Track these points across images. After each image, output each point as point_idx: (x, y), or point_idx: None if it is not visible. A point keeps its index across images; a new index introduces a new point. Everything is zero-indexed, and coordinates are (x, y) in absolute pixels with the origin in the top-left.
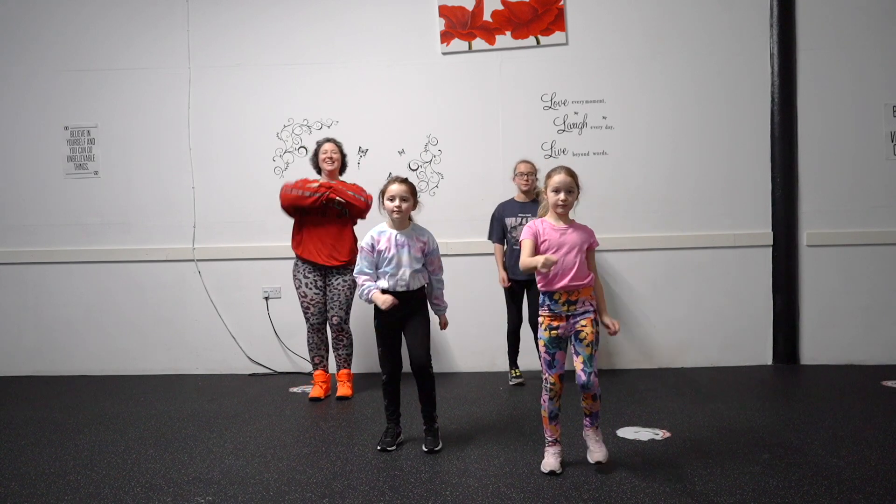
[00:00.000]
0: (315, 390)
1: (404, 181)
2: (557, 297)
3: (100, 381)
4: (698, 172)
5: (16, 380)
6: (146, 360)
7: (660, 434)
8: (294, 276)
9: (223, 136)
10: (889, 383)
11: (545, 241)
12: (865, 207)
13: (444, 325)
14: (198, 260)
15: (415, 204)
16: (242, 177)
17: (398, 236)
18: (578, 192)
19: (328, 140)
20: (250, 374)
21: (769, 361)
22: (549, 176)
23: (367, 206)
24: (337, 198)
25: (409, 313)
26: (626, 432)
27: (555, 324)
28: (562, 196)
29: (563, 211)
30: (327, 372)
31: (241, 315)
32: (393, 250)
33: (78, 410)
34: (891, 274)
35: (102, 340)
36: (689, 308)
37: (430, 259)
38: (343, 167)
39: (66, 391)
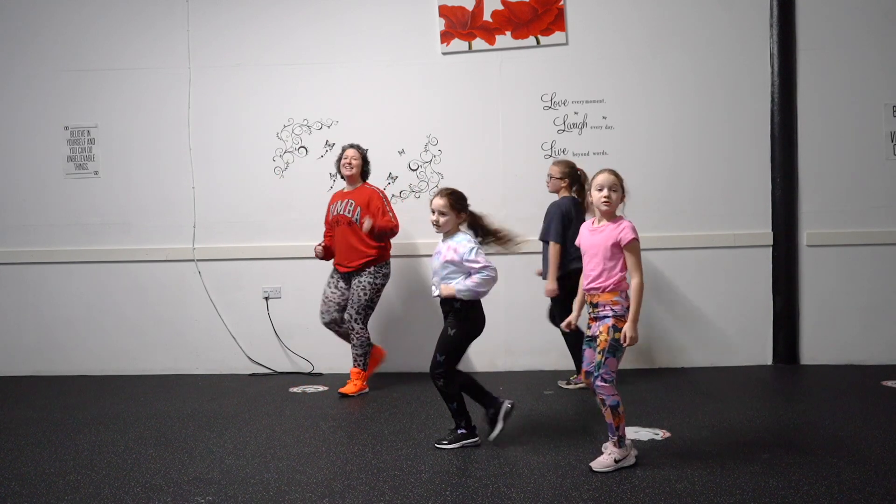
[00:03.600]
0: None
1: (447, 194)
2: (587, 300)
3: (100, 381)
4: (698, 172)
5: (16, 380)
6: (146, 360)
7: (660, 434)
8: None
9: (223, 136)
10: (889, 383)
11: (582, 246)
12: (865, 207)
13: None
14: (198, 260)
15: (459, 215)
16: (242, 177)
17: (440, 244)
18: (624, 194)
19: (351, 146)
20: (250, 374)
21: (769, 361)
22: (593, 177)
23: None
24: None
25: (446, 321)
26: (626, 432)
27: (590, 323)
28: (605, 193)
29: (608, 209)
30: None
31: (241, 315)
32: (434, 257)
33: (78, 410)
34: (891, 274)
35: (102, 340)
36: (689, 308)
37: (465, 265)
38: (365, 173)
39: (66, 391)
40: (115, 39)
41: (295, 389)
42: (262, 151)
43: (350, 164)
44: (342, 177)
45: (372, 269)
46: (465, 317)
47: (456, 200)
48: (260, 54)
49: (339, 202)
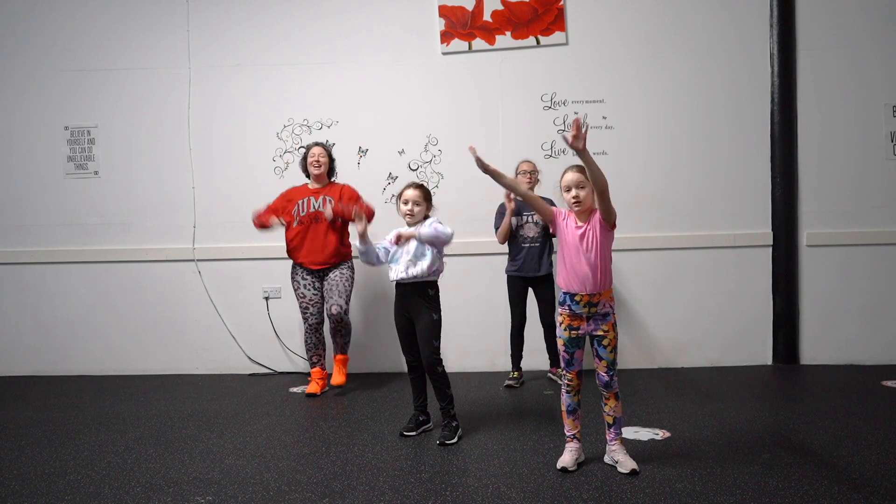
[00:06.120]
0: (312, 386)
1: (418, 186)
2: (579, 300)
3: (100, 381)
4: (698, 172)
5: (16, 380)
6: (146, 360)
7: (660, 434)
8: (293, 277)
9: (223, 136)
10: (889, 383)
11: (564, 239)
12: (865, 207)
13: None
14: (198, 260)
15: (428, 208)
16: (242, 177)
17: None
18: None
19: (316, 144)
20: (250, 374)
21: (769, 361)
22: (560, 177)
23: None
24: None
25: (416, 310)
26: (627, 432)
27: (575, 324)
28: (573, 193)
29: (579, 209)
30: (324, 369)
31: (241, 315)
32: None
33: (78, 410)
34: (891, 274)
35: (102, 340)
36: (688, 308)
37: (435, 233)
38: (331, 171)
39: (66, 391)
40: (115, 39)
41: (295, 389)
42: (262, 151)
43: (318, 161)
44: (307, 176)
45: (349, 262)
46: (438, 301)
47: (427, 193)
48: (260, 54)
49: (312, 198)
